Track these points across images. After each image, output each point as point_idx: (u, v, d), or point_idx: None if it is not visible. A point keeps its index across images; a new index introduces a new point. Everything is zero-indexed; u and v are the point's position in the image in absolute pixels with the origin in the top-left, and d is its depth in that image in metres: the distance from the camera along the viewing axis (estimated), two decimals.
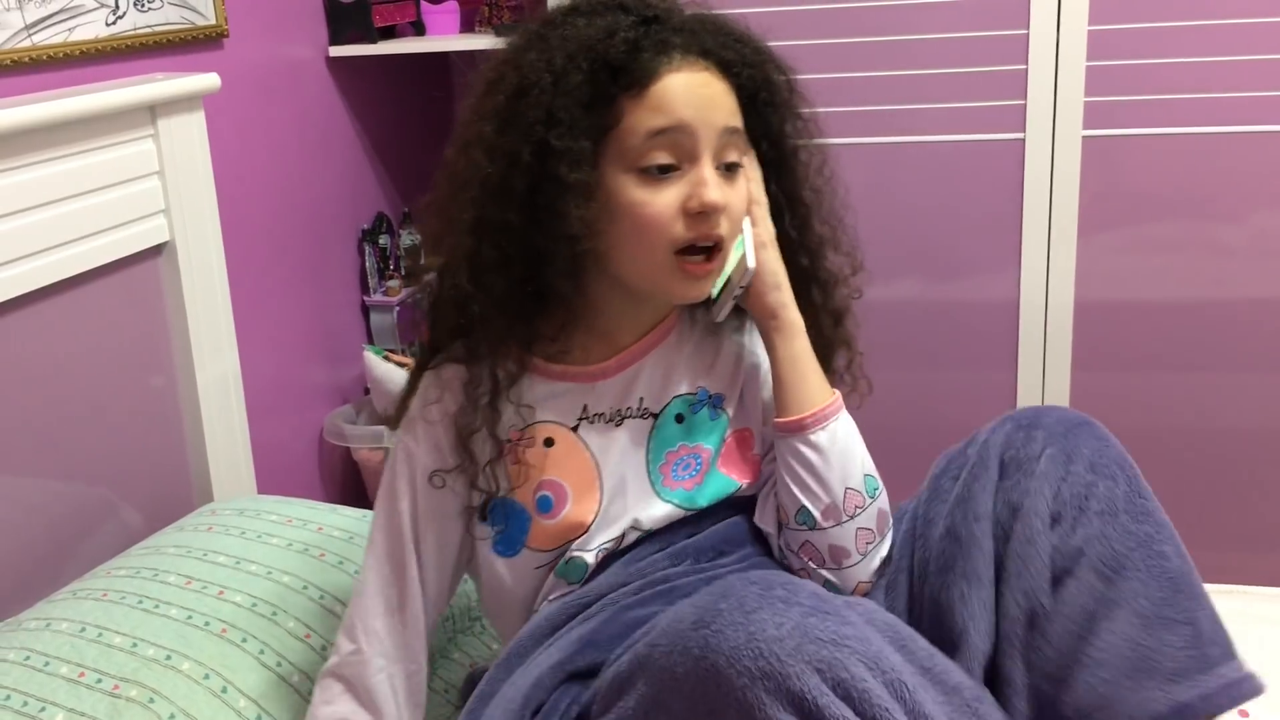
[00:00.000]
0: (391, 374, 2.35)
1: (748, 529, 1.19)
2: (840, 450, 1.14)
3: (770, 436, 1.19)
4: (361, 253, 2.52)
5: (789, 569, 1.18)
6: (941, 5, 2.09)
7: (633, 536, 1.15)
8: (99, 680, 1.25)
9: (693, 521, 1.17)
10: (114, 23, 1.77)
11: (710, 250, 1.08)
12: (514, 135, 1.04)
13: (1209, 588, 1.58)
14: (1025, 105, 2.10)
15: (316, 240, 2.38)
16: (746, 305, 1.17)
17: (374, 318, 2.54)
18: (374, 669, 1.15)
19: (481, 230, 1.06)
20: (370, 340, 2.55)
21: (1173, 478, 2.21)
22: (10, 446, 1.53)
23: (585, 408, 1.15)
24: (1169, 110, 2.06)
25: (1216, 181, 2.08)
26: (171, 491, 1.82)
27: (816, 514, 1.13)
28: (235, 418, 1.89)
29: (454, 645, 1.51)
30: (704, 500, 1.17)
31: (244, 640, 1.33)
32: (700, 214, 1.05)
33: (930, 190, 2.20)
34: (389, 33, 2.48)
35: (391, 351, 2.44)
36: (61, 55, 1.68)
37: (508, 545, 1.15)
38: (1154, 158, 2.09)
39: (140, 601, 1.38)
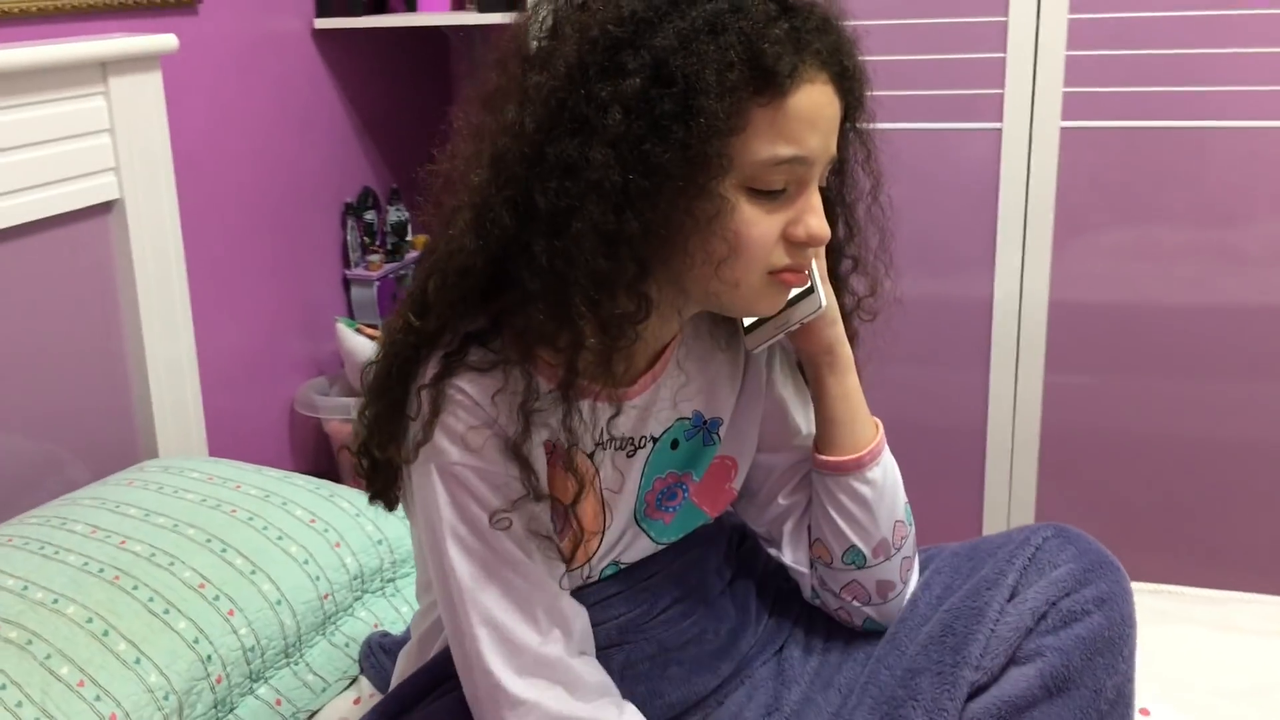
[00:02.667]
0: (360, 346, 2.35)
1: (700, 571, 1.14)
2: (891, 482, 1.12)
3: (775, 467, 1.15)
4: (344, 226, 2.53)
5: (821, 608, 1.16)
6: None
7: (608, 572, 1.09)
8: None
9: (656, 558, 1.11)
10: None
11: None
12: (649, 133, 0.88)
13: (1151, 586, 1.55)
14: (1003, 94, 2.06)
15: (297, 212, 2.39)
16: (795, 340, 1.10)
17: (355, 291, 2.55)
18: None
19: (599, 241, 0.89)
20: (350, 314, 2.56)
21: (1142, 484, 2.16)
22: None
23: (603, 431, 1.02)
24: (1151, 103, 2.00)
25: (1203, 178, 2.02)
26: (119, 453, 1.83)
27: (867, 552, 1.10)
28: (186, 380, 1.90)
29: (361, 604, 1.50)
30: (674, 535, 1.11)
31: (135, 587, 1.33)
32: (800, 243, 0.96)
33: (903, 179, 2.15)
34: (380, 6, 2.49)
35: (367, 325, 2.45)
36: (18, 11, 1.70)
37: None
38: (1136, 152, 2.04)
39: (42, 547, 1.39)
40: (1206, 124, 1.99)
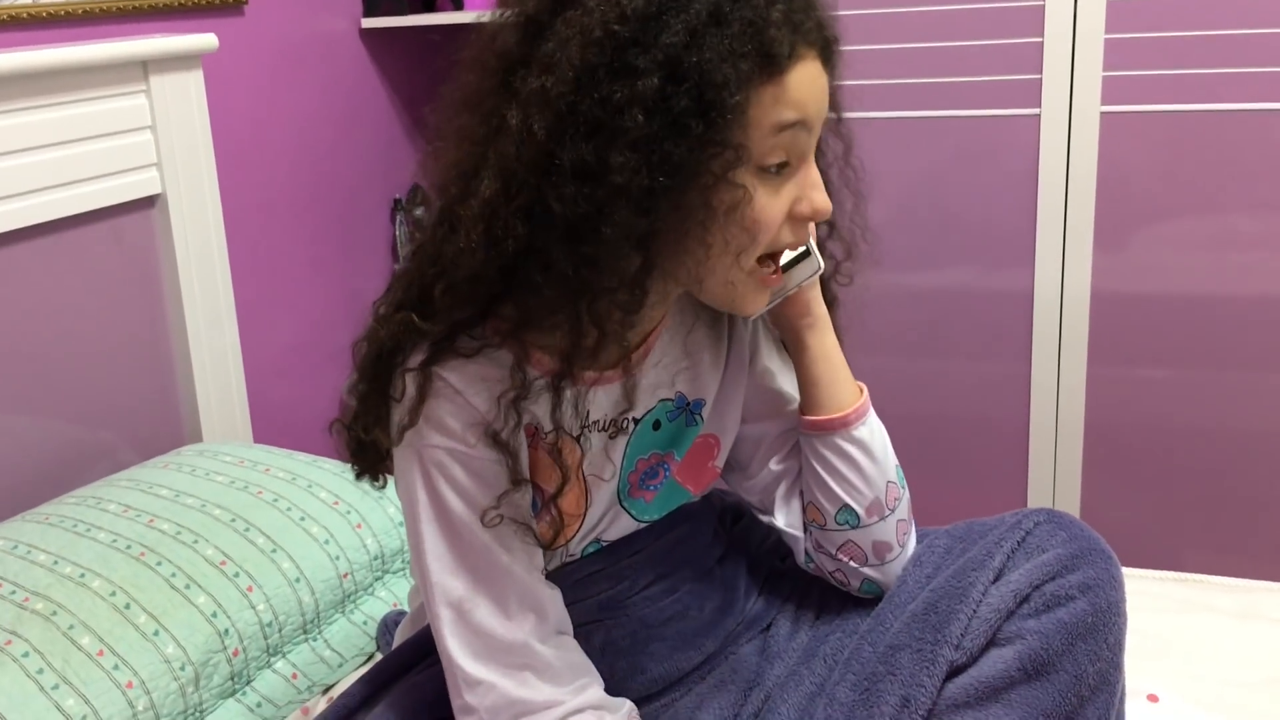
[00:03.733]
0: None
1: (685, 549, 1.15)
2: (880, 443, 1.12)
3: (765, 436, 1.15)
4: (394, 222, 2.58)
5: (816, 573, 1.16)
6: None
7: (590, 550, 1.10)
8: (13, 592, 1.32)
9: (639, 535, 1.12)
10: None
11: (775, 259, 1.01)
12: (669, 132, 0.88)
13: (1176, 574, 1.52)
14: (1041, 80, 2.03)
15: (346, 208, 2.45)
16: (777, 304, 1.10)
17: None
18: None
19: (627, 243, 0.90)
20: None
21: (1188, 476, 2.11)
22: (3, 380, 1.62)
23: (588, 414, 1.03)
24: (1193, 85, 1.96)
25: (1247, 163, 1.97)
26: (166, 440, 1.89)
27: (861, 511, 1.10)
28: (230, 369, 1.96)
29: (381, 584, 1.54)
30: (657, 513, 1.13)
31: (159, 563, 1.38)
32: (805, 218, 0.97)
33: (941, 168, 2.14)
34: (428, 5, 2.54)
35: None
36: (63, 14, 1.77)
37: None
38: (1178, 136, 2.00)
39: (75, 525, 1.45)
40: (1250, 106, 1.94)
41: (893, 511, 1.11)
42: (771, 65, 0.91)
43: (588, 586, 1.09)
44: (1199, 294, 2.04)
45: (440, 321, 0.97)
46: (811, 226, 1.06)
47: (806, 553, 1.15)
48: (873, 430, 1.12)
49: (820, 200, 0.97)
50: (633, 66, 0.88)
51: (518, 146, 0.90)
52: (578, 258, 0.90)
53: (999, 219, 2.12)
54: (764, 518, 1.17)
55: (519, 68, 0.93)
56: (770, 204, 0.95)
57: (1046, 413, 2.17)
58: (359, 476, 1.07)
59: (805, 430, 1.12)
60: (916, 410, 2.25)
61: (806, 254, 1.06)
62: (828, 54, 0.96)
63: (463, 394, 0.97)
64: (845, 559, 1.12)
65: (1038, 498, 2.21)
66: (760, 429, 1.16)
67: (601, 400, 1.04)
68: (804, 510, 1.14)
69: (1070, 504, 2.20)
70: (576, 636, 1.05)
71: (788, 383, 1.16)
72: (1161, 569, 1.57)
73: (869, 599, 1.14)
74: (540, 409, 0.98)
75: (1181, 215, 2.04)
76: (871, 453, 1.11)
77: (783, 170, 0.95)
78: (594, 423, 1.04)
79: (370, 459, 1.05)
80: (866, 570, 1.12)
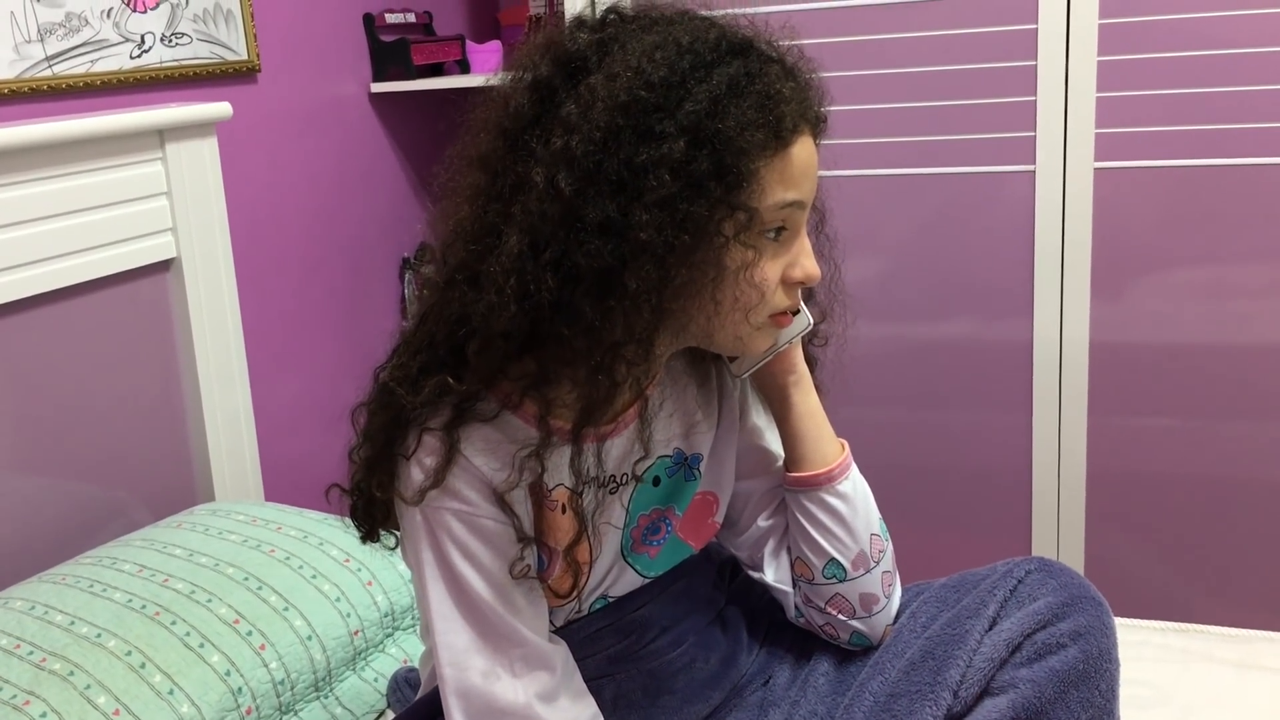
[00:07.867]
0: None
1: (688, 601, 1.18)
2: (862, 496, 1.16)
3: (753, 493, 1.19)
4: (402, 280, 2.63)
5: (806, 627, 1.19)
6: (949, 37, 2.09)
7: (597, 606, 1.13)
8: (31, 652, 1.34)
9: (644, 590, 1.15)
10: (139, 56, 1.92)
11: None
12: (690, 193, 0.93)
13: (1176, 625, 1.54)
14: (1035, 137, 2.08)
15: (356, 267, 2.49)
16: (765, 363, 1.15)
17: None
18: None
19: (647, 297, 0.94)
20: None
21: (1192, 526, 2.12)
22: (21, 442, 1.65)
23: (586, 471, 1.04)
24: (1184, 141, 2.00)
25: (1238, 216, 2.01)
26: (179, 499, 1.92)
27: (847, 564, 1.14)
28: (243, 429, 2.00)
29: (392, 641, 1.56)
30: (661, 569, 1.15)
31: (173, 623, 1.41)
32: (797, 283, 1.03)
33: (939, 222, 2.18)
34: (436, 70, 2.60)
35: None
36: (82, 85, 1.82)
37: None
38: (1170, 191, 2.03)
39: (91, 585, 1.48)
40: (1239, 161, 1.98)
41: (878, 564, 1.14)
42: (778, 139, 0.96)
43: (597, 641, 1.11)
44: (1196, 343, 2.07)
45: (472, 381, 0.99)
46: None
47: (796, 607, 1.18)
48: (855, 484, 1.15)
49: (811, 266, 1.02)
50: (657, 130, 0.93)
51: (544, 202, 0.94)
52: (606, 310, 0.93)
53: (997, 272, 2.16)
54: (754, 574, 1.20)
55: (533, 128, 0.97)
56: (768, 267, 1.00)
57: (1048, 462, 2.19)
58: (365, 539, 1.09)
59: (790, 486, 1.15)
60: (919, 462, 2.27)
61: (796, 311, 1.10)
62: (818, 132, 1.02)
63: (471, 459, 0.99)
64: (834, 612, 1.15)
65: (1042, 548, 2.23)
66: (749, 486, 1.19)
67: (600, 455, 1.06)
68: (792, 565, 1.17)
69: (1074, 554, 2.21)
70: (590, 690, 1.07)
71: (774, 440, 1.19)
72: (1167, 619, 1.59)
73: (863, 651, 1.16)
74: (553, 464, 1.01)
75: (1177, 266, 2.07)
76: (855, 506, 1.14)
77: (780, 235, 1.00)
78: (593, 478, 1.07)
79: (376, 518, 1.08)
80: (854, 623, 1.15)
